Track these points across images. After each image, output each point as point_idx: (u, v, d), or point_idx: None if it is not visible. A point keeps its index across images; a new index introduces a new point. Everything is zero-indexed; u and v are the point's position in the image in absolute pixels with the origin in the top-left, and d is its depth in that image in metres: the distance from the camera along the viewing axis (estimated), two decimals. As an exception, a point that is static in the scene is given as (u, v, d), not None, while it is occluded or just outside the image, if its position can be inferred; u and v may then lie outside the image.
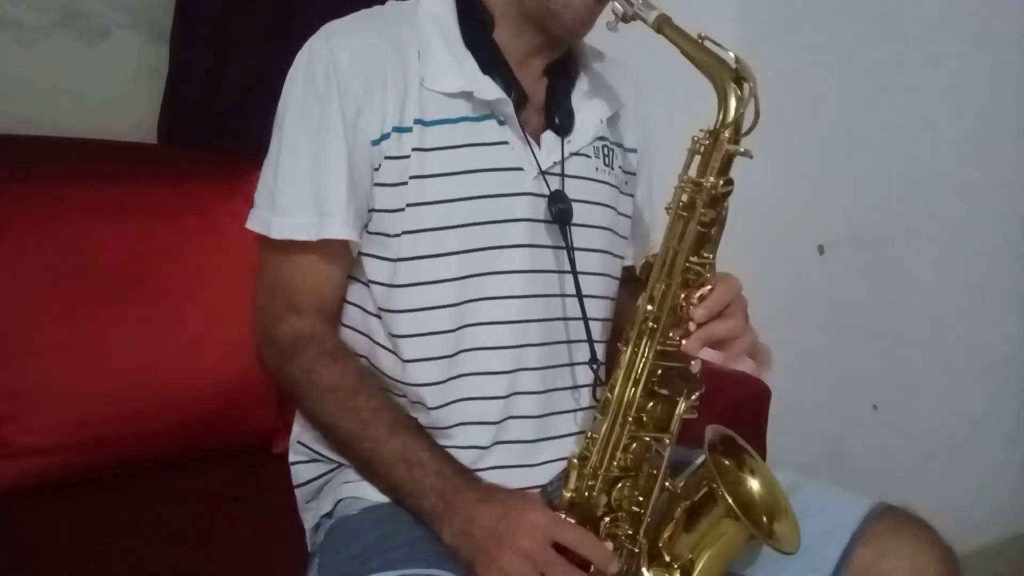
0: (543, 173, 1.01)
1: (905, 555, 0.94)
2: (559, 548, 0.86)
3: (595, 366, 1.03)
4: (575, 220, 1.01)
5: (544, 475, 1.03)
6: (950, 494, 1.63)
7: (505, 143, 1.00)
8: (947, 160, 1.69)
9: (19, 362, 1.10)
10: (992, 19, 1.61)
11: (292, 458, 1.08)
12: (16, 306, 1.10)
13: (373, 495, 0.97)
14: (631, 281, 1.13)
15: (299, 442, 1.07)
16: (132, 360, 1.15)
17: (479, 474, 0.96)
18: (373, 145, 0.97)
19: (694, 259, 0.91)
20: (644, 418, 0.93)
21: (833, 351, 1.89)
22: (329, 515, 1.01)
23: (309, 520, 1.06)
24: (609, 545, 0.91)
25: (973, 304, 1.68)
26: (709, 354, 0.92)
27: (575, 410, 1.06)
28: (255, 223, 1.01)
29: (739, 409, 1.43)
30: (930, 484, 1.66)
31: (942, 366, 1.71)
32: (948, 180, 1.69)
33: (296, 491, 1.08)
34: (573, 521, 0.91)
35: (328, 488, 1.03)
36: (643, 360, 0.92)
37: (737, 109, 0.88)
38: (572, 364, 1.05)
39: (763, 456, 1.11)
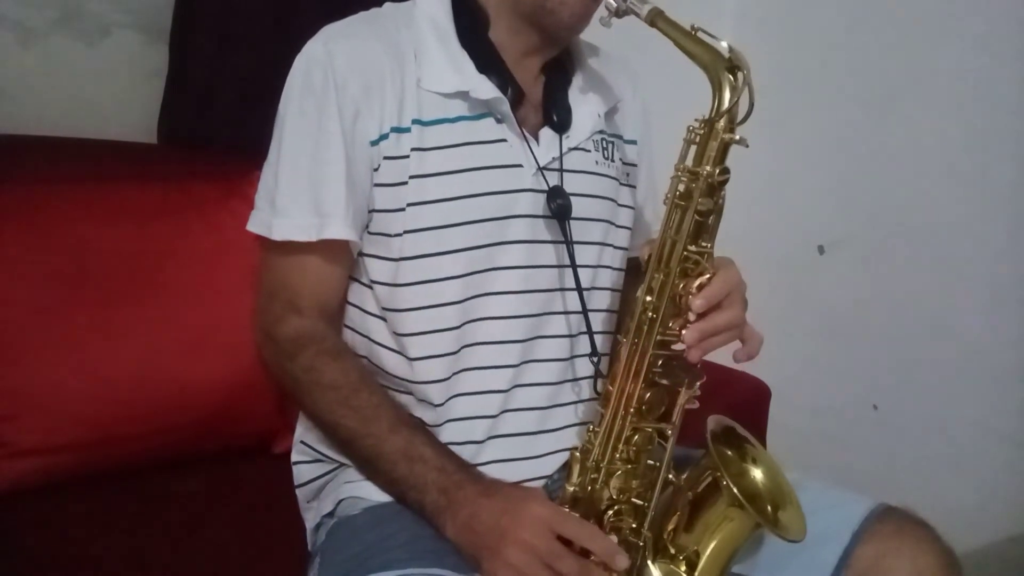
0: (541, 169, 1.01)
1: (905, 556, 0.94)
2: (564, 541, 0.86)
3: (595, 359, 1.03)
4: (575, 214, 1.01)
5: (545, 467, 1.03)
6: (950, 494, 1.63)
7: (503, 141, 1.00)
8: (947, 160, 1.69)
9: (19, 362, 1.10)
10: (992, 19, 1.61)
11: (295, 458, 1.08)
12: (16, 306, 1.10)
13: (374, 495, 0.97)
14: (636, 272, 1.13)
15: (302, 442, 1.07)
16: (132, 360, 1.15)
17: (479, 469, 0.96)
18: (372, 146, 0.97)
19: (692, 248, 0.91)
20: (645, 409, 0.93)
21: (833, 351, 1.89)
22: (330, 515, 1.01)
23: (310, 520, 1.06)
24: (613, 538, 0.91)
25: (973, 304, 1.68)
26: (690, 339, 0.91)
27: (576, 402, 1.06)
28: (256, 225, 1.01)
29: (739, 408, 1.42)
30: (930, 484, 1.66)
31: (942, 366, 1.71)
32: (948, 180, 1.69)
33: (297, 491, 1.08)
34: (576, 515, 0.91)
35: (329, 488, 1.04)
36: (643, 351, 0.92)
37: (731, 98, 0.88)
38: (573, 357, 1.06)
39: (764, 453, 1.11)
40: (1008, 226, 1.63)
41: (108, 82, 1.43)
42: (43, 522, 1.06)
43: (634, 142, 1.16)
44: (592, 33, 1.05)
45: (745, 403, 1.50)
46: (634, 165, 1.16)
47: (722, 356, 0.99)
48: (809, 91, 1.86)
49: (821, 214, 1.90)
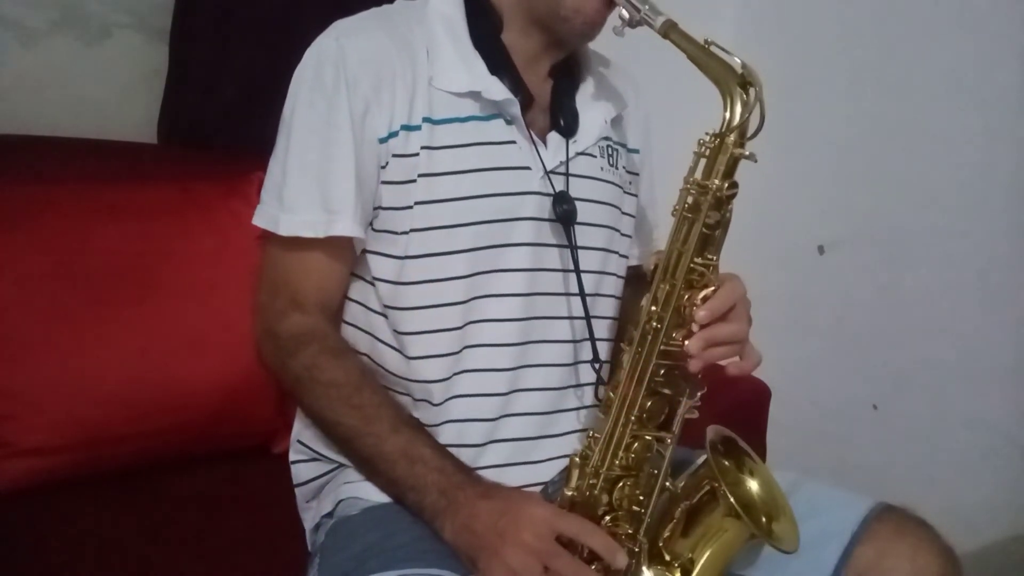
0: (548, 173, 1.01)
1: (905, 555, 0.94)
2: (562, 543, 0.86)
3: (597, 365, 1.03)
4: (579, 219, 1.02)
5: (544, 472, 1.03)
6: (950, 494, 1.63)
7: (513, 142, 1.01)
8: (947, 160, 1.69)
9: (19, 362, 1.10)
10: (992, 19, 1.61)
11: (292, 457, 1.08)
12: (16, 306, 1.10)
13: (374, 495, 0.97)
14: (637, 280, 1.14)
15: (299, 441, 1.07)
16: (132, 360, 1.15)
17: (479, 472, 0.96)
18: (380, 143, 0.97)
19: (698, 260, 0.92)
20: (646, 417, 0.94)
21: (833, 351, 1.89)
22: (330, 515, 1.01)
23: (309, 520, 1.06)
24: None
25: (973, 304, 1.68)
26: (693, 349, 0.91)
27: (578, 408, 1.06)
28: (262, 219, 1.01)
29: (739, 409, 1.43)
30: (930, 484, 1.66)
31: (942, 366, 1.71)
32: (948, 180, 1.69)
33: (296, 490, 1.08)
34: (575, 514, 0.90)
35: (329, 488, 1.04)
36: (646, 360, 0.92)
37: (742, 113, 0.88)
38: (576, 363, 1.06)
39: (763, 456, 1.11)
40: (1008, 226, 1.63)
41: (108, 82, 1.42)
42: (43, 522, 1.06)
43: (637, 151, 1.17)
44: (599, 40, 1.05)
45: (745, 403, 1.50)
46: (636, 174, 1.16)
47: (724, 356, 1.00)
48: (809, 92, 1.85)
49: (821, 214, 1.90)
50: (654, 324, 0.92)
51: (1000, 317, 1.65)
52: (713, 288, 0.92)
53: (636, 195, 1.16)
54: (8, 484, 1.08)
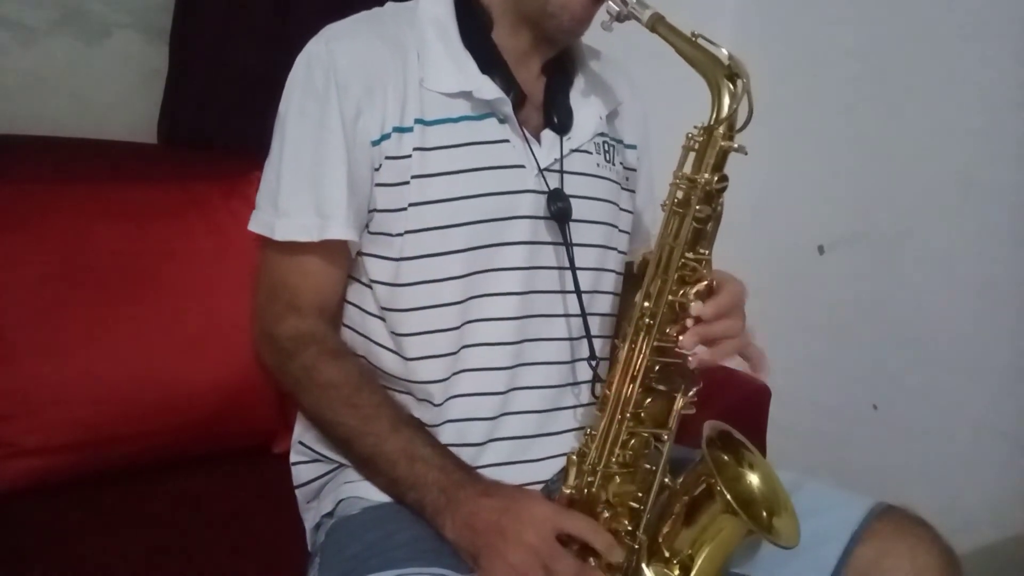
0: (543, 171, 1.01)
1: (905, 555, 0.94)
2: (561, 540, 0.86)
3: (593, 363, 1.03)
4: (576, 216, 1.02)
5: (543, 471, 1.03)
6: (950, 494, 1.63)
7: (506, 141, 1.01)
8: (948, 160, 1.69)
9: (19, 362, 1.10)
10: (993, 18, 1.61)
11: (293, 458, 1.09)
12: (16, 306, 1.10)
13: (374, 495, 0.97)
14: (631, 276, 1.14)
15: (300, 442, 1.07)
16: (132, 360, 1.15)
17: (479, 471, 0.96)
18: (373, 146, 0.97)
19: (690, 255, 0.92)
20: (642, 414, 0.94)
21: (833, 351, 1.89)
22: (330, 515, 1.01)
23: (310, 520, 1.06)
24: None
25: (973, 304, 1.67)
26: (700, 351, 0.92)
27: (576, 406, 1.06)
28: (258, 225, 1.01)
29: (739, 409, 1.43)
30: (930, 484, 1.66)
31: (942, 366, 1.71)
32: (948, 180, 1.69)
33: (297, 491, 1.08)
34: (576, 511, 0.91)
35: (329, 488, 1.04)
36: (640, 356, 0.92)
37: (730, 105, 0.89)
38: (573, 361, 1.06)
39: (763, 456, 1.11)
40: (1007, 225, 1.63)
41: (108, 82, 1.42)
42: (43, 522, 1.06)
43: (634, 147, 1.17)
44: (591, 36, 1.05)
45: (745, 403, 1.50)
46: (634, 170, 1.16)
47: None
48: (809, 91, 1.86)
49: (821, 214, 1.90)
50: (647, 320, 0.92)
51: (1000, 317, 1.64)
52: (706, 283, 0.92)
53: (634, 191, 1.15)
54: (8, 484, 1.08)
